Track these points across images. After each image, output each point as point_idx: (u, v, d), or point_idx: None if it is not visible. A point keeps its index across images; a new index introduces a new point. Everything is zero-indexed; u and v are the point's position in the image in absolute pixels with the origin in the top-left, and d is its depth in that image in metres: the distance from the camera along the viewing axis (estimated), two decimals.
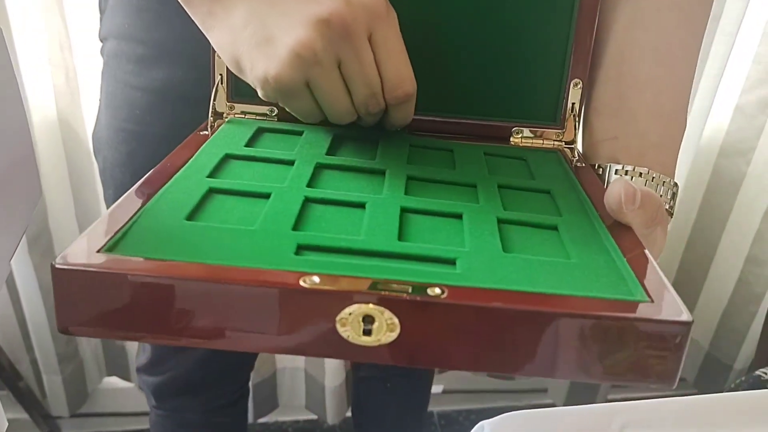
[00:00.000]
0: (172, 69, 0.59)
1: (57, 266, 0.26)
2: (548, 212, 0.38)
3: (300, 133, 0.47)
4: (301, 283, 0.27)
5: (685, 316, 0.27)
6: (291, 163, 0.41)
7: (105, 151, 0.65)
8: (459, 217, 0.36)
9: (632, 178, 0.45)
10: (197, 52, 0.48)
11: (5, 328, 1.19)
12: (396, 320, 0.26)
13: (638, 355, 0.27)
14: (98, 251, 0.28)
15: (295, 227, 0.32)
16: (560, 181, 0.43)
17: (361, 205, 0.36)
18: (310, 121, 0.43)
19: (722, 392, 0.99)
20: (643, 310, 0.28)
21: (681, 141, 0.48)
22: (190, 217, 0.32)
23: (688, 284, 1.40)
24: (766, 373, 0.90)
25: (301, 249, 0.30)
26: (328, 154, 0.43)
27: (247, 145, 0.43)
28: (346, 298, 0.26)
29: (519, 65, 0.48)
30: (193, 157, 0.39)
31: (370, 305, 0.26)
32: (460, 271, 0.30)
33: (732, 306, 1.34)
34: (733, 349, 1.36)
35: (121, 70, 0.61)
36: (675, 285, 1.44)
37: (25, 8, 0.92)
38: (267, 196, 0.35)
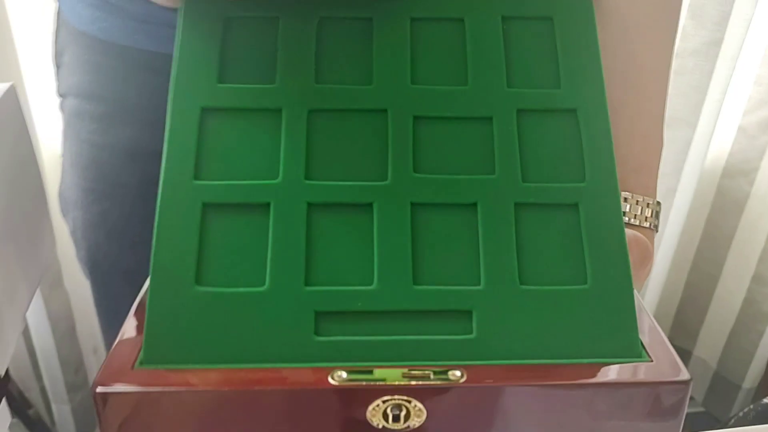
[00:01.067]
0: (140, 126, 0.58)
1: (98, 392, 0.28)
2: (571, 169, 0.36)
3: (276, 21, 0.38)
4: (330, 381, 0.28)
5: (684, 375, 0.30)
6: (278, 111, 0.36)
7: (74, 212, 0.64)
8: (474, 207, 0.35)
9: None
10: (163, 107, 0.47)
11: (15, 357, 1.19)
12: (422, 406, 0.28)
13: (642, 413, 0.30)
14: (132, 367, 0.29)
15: (307, 277, 0.32)
16: (587, 80, 0.38)
17: (368, 207, 0.34)
18: None
19: (732, 417, 0.99)
20: (647, 372, 0.30)
21: (659, 160, 0.50)
22: (199, 276, 0.32)
23: (695, 304, 1.40)
24: None
25: (319, 319, 0.31)
26: (317, 81, 0.37)
27: (220, 78, 0.36)
28: (375, 392, 0.28)
29: None
30: (169, 125, 0.35)
31: (398, 397, 0.28)
32: (476, 335, 0.31)
33: (739, 325, 1.34)
34: (741, 369, 1.36)
35: (85, 129, 0.60)
36: (681, 305, 1.44)
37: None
38: (266, 206, 0.34)
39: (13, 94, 0.40)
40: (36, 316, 1.13)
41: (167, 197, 0.33)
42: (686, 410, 0.30)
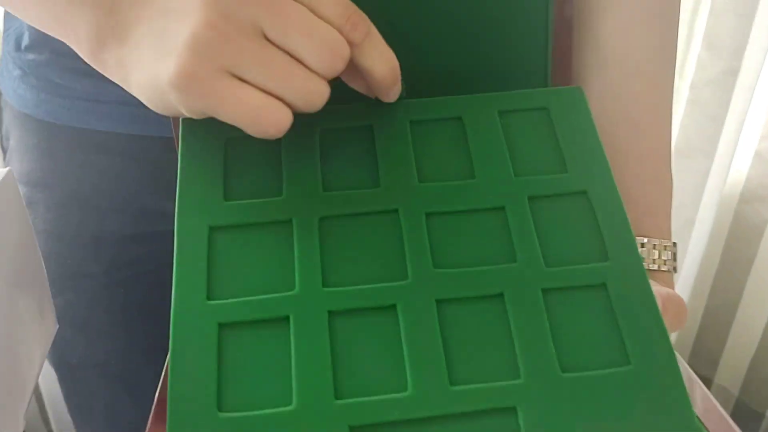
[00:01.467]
0: (102, 211, 0.55)
1: None
2: (592, 249, 0.35)
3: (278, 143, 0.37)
4: None
5: None
6: (288, 222, 0.34)
7: None
8: (500, 298, 0.33)
9: None
10: (125, 190, 0.45)
11: None
12: None
13: None
14: None
15: (337, 390, 0.30)
16: (592, 162, 0.38)
17: (392, 308, 0.33)
18: (274, 128, 0.32)
19: None
20: None
21: (671, 201, 0.49)
22: (220, 402, 0.30)
23: (715, 330, 1.38)
24: None
25: None
26: (324, 188, 0.36)
27: (226, 195, 0.35)
28: None
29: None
30: (177, 246, 0.34)
31: None
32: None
33: (762, 351, 1.31)
34: (764, 395, 1.33)
35: (40, 219, 0.56)
36: (700, 332, 1.42)
37: None
38: (285, 320, 0.32)
39: (11, 178, 0.39)
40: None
41: (180, 321, 0.31)
42: None
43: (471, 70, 0.43)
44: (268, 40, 0.31)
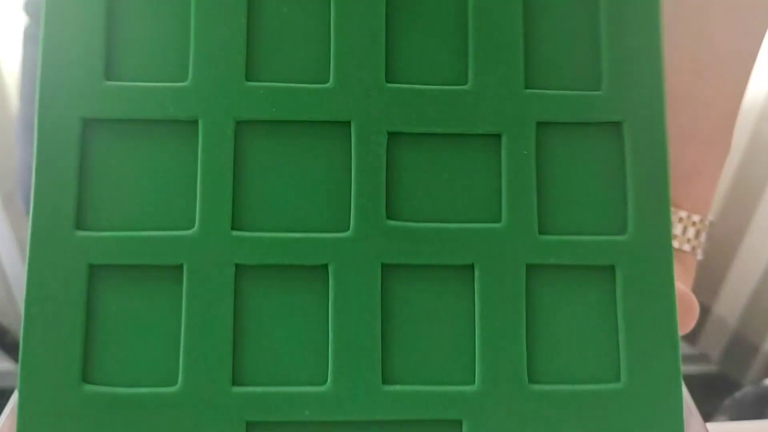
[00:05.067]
0: None
1: None
2: (608, 214, 0.26)
3: None
4: None
5: None
6: (194, 123, 0.25)
7: None
8: (469, 270, 0.25)
9: None
10: None
11: None
12: None
13: None
14: None
15: (235, 374, 0.24)
16: (642, 76, 0.27)
17: (323, 270, 0.25)
18: None
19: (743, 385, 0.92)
20: None
21: (721, 170, 0.40)
22: (86, 371, 0.24)
23: (719, 256, 1.33)
24: None
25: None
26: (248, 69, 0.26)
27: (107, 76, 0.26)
28: None
29: None
30: (38, 139, 0.25)
31: None
32: None
33: (764, 283, 1.26)
34: (762, 328, 1.29)
35: None
36: (704, 256, 1.36)
37: None
38: (177, 269, 0.25)
39: None
40: (5, 243, 1.09)
41: (38, 256, 0.24)
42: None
43: None
44: None
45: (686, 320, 0.33)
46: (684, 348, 0.27)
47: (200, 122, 0.25)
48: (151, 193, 0.25)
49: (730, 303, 1.33)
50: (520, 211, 0.25)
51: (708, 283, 1.38)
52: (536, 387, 0.25)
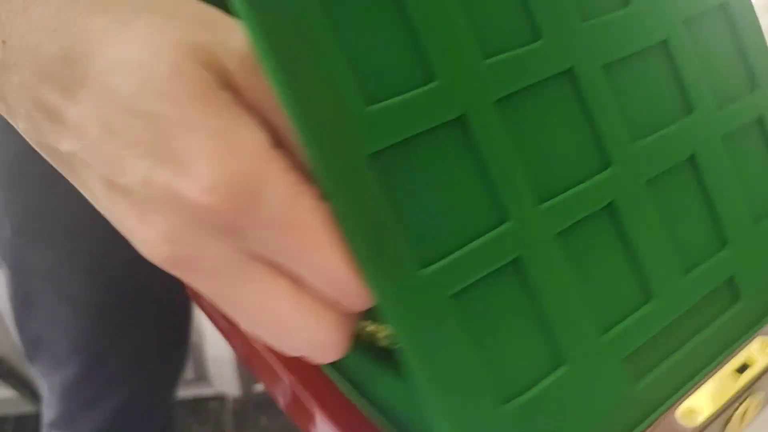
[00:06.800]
0: None
1: None
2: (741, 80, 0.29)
3: None
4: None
5: None
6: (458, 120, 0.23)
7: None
8: (691, 162, 0.27)
9: None
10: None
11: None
12: None
13: None
14: None
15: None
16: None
17: (608, 208, 0.25)
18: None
19: None
20: None
21: None
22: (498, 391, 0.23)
23: None
24: None
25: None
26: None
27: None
28: None
29: None
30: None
31: None
32: None
33: None
34: None
35: None
36: None
37: None
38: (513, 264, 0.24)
39: None
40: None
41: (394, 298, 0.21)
42: None
43: None
44: None
45: None
46: None
47: None
48: None
49: None
50: (701, 94, 0.27)
51: None
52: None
